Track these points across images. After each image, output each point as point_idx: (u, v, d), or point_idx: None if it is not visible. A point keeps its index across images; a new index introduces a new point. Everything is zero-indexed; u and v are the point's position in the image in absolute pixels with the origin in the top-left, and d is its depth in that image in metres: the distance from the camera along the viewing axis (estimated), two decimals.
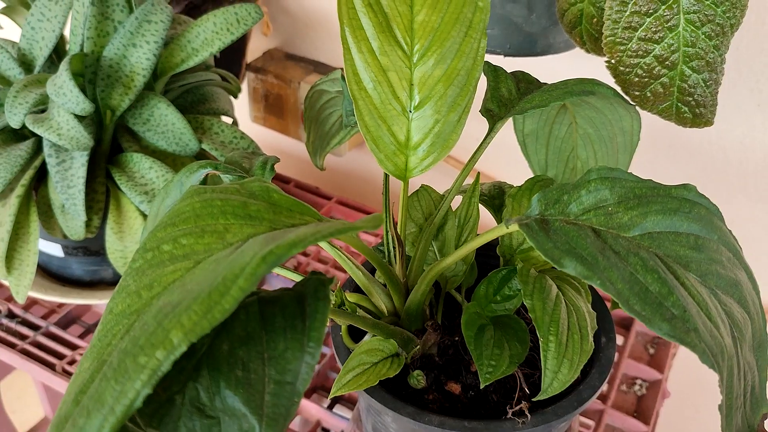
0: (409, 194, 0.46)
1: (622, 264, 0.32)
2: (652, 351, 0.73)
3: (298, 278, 0.46)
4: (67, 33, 0.69)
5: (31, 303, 0.74)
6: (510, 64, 0.60)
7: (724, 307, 0.35)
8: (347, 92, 0.42)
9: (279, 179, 0.93)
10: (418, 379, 0.47)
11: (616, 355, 0.72)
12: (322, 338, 0.29)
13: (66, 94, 0.57)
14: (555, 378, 0.40)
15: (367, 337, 0.47)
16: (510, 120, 0.58)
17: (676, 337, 0.30)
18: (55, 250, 0.70)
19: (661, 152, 0.78)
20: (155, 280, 0.30)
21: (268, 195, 0.35)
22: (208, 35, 0.65)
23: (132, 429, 0.29)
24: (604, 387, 0.69)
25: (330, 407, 0.66)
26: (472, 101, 0.42)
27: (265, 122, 1.01)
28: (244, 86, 0.98)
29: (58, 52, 0.69)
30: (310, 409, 0.65)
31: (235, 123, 0.75)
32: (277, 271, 0.48)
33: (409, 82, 0.42)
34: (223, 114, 0.72)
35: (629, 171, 0.56)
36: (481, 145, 0.46)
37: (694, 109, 0.47)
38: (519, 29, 0.55)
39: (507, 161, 0.78)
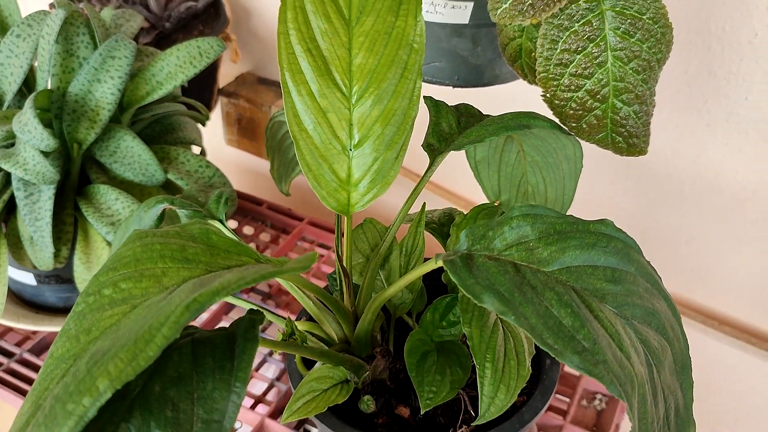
0: (354, 227, 0.48)
1: (538, 299, 0.34)
2: None
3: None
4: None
5: (6, 330, 0.75)
6: (460, 94, 0.62)
7: (639, 336, 0.37)
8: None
9: (252, 200, 0.95)
10: (368, 404, 0.49)
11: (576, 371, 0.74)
12: (248, 378, 0.31)
13: (31, 131, 0.59)
14: (492, 403, 0.42)
15: (317, 365, 0.49)
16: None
17: (585, 369, 0.32)
18: (27, 278, 0.72)
19: (620, 172, 0.80)
20: (94, 324, 0.32)
21: (207, 237, 0.37)
22: (171, 69, 0.67)
23: None
24: (566, 402, 0.71)
25: (297, 427, 0.68)
26: (409, 139, 0.44)
27: (238, 145, 1.03)
28: (218, 110, 1.00)
29: (28, 85, 0.71)
30: (278, 429, 0.67)
31: (203, 152, 0.77)
32: (233, 301, 0.49)
33: (348, 122, 0.44)
34: (191, 143, 0.74)
35: (574, 196, 0.59)
36: (422, 178, 0.48)
37: (627, 140, 0.49)
38: (466, 62, 0.57)
39: (468, 178, 0.80)
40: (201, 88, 0.92)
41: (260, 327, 0.34)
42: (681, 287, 0.83)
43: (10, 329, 0.75)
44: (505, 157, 0.60)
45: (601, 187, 0.82)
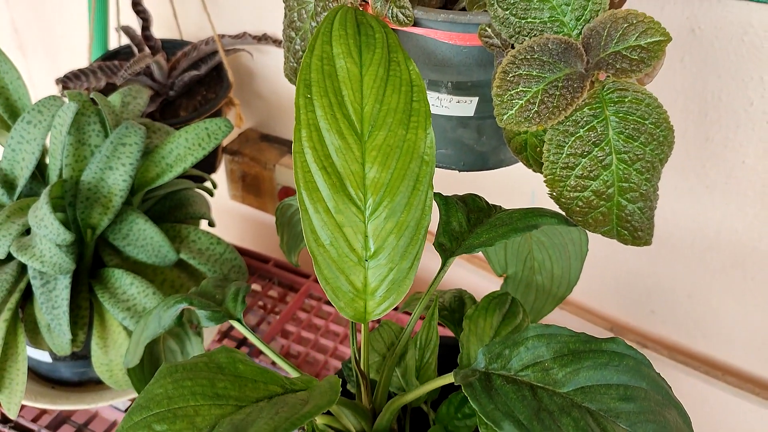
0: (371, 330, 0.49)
1: (556, 426, 0.36)
2: None
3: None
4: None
5: (22, 407, 0.76)
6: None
7: None
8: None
9: (258, 259, 0.96)
10: None
11: None
12: None
13: (47, 226, 0.60)
14: None
15: None
16: None
17: None
18: (43, 356, 0.73)
19: None
20: None
21: (234, 367, 0.38)
22: (181, 151, 0.68)
23: None
24: None
25: None
26: (422, 249, 0.46)
27: (243, 200, 1.04)
28: (222, 167, 1.02)
29: (40, 168, 0.72)
30: None
31: (210, 223, 0.78)
32: None
33: (363, 235, 0.45)
34: (201, 217, 0.75)
35: (580, 275, 0.60)
36: (435, 279, 0.49)
37: (632, 233, 0.50)
38: (471, 149, 0.58)
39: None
40: None
41: None
42: (683, 338, 0.85)
43: (24, 406, 0.76)
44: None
45: (604, 244, 0.83)
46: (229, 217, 1.11)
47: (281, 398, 0.37)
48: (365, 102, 0.45)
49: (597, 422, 0.37)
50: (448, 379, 0.42)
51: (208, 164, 0.94)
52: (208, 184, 0.79)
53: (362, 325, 0.47)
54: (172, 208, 0.74)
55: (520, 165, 0.78)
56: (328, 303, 0.91)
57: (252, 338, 0.51)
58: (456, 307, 0.57)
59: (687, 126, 0.71)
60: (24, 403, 0.72)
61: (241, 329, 0.51)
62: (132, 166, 0.65)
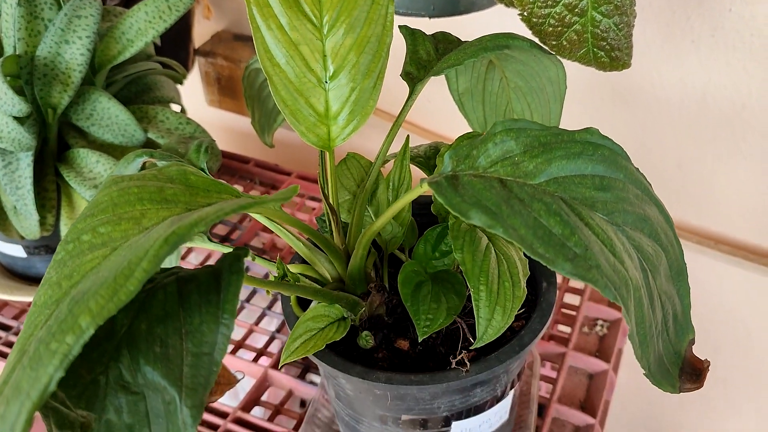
0: (338, 162, 0.47)
1: (526, 210, 0.34)
2: None
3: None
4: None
5: (3, 305, 0.75)
6: (436, 25, 0.61)
7: (632, 242, 0.36)
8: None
9: (238, 159, 0.94)
10: (366, 339, 0.48)
11: (578, 299, 0.74)
12: (235, 309, 0.30)
13: (1, 97, 0.57)
14: (489, 325, 0.42)
15: (313, 305, 0.49)
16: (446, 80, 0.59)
17: (578, 274, 0.32)
18: (17, 251, 0.71)
19: (606, 99, 0.79)
20: (75, 270, 0.31)
21: (185, 178, 0.36)
22: (141, 25, 0.65)
23: (65, 413, 0.31)
24: (567, 330, 0.71)
25: (301, 376, 0.68)
26: (385, 67, 0.43)
27: (220, 105, 1.01)
28: (196, 71, 0.98)
29: None
30: (282, 379, 0.67)
31: (183, 110, 0.75)
32: (218, 248, 0.49)
33: (321, 54, 0.43)
34: (169, 101, 0.73)
35: (560, 119, 0.58)
36: (403, 108, 0.47)
37: (609, 53, 0.48)
38: None
39: (452, 116, 0.79)
40: (176, 48, 0.90)
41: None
42: (674, 210, 0.83)
43: (6, 303, 0.75)
44: (488, 87, 0.59)
45: (588, 115, 0.81)
46: (207, 125, 1.08)
47: (230, 200, 0.35)
48: None
49: (571, 209, 0.35)
50: (416, 192, 0.39)
51: (179, 63, 0.91)
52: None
53: (327, 155, 0.45)
54: (139, 92, 0.71)
55: (489, 27, 0.74)
56: (312, 198, 0.89)
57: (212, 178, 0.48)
58: (431, 155, 0.54)
59: None
60: (2, 297, 0.70)
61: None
62: (89, 39, 0.62)
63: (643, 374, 0.36)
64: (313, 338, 0.46)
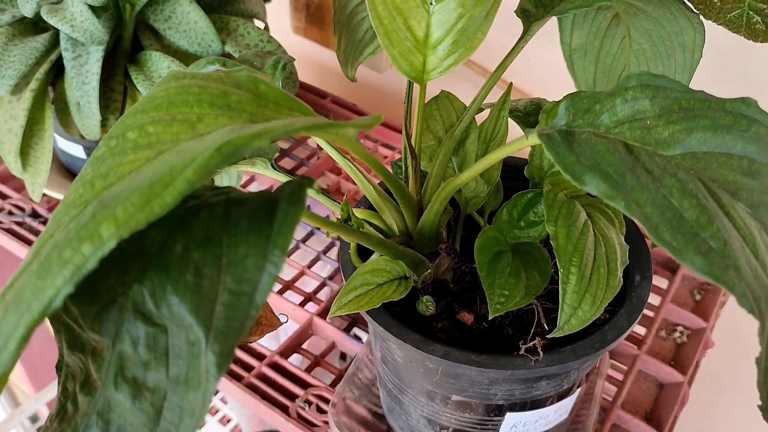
0: (428, 101, 0.41)
1: (655, 185, 0.27)
2: (698, 297, 0.68)
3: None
4: None
5: (55, 203, 0.73)
6: None
7: None
8: None
9: (316, 93, 0.89)
10: (427, 305, 0.43)
11: (658, 299, 0.67)
12: (288, 245, 0.25)
13: None
14: (574, 314, 0.36)
15: (374, 256, 0.44)
16: (557, 35, 0.52)
17: (712, 273, 0.25)
18: (77, 151, 0.69)
19: (726, 81, 0.70)
20: (112, 169, 0.27)
21: (255, 86, 0.31)
22: None
23: (78, 332, 0.26)
24: (641, 331, 0.64)
25: (347, 329, 0.63)
26: None
27: (306, 33, 0.96)
28: None
29: None
30: (326, 329, 0.63)
31: (266, 27, 0.70)
32: (279, 177, 0.44)
33: None
34: (253, 16, 0.68)
35: None
36: (513, 48, 0.40)
37: (767, 20, 0.40)
38: None
39: (550, 81, 0.72)
40: None
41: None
42: None
43: (58, 201, 0.72)
44: (606, 45, 0.52)
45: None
46: (289, 50, 1.03)
47: (302, 117, 0.29)
48: None
49: (710, 192, 0.28)
50: (518, 144, 0.33)
51: None
52: None
53: (419, 88, 0.39)
54: (223, 2, 0.67)
55: None
56: (386, 146, 0.83)
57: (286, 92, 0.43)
58: (531, 111, 0.48)
59: None
60: (56, 196, 0.68)
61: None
62: None
63: (758, 406, 0.30)
64: (368, 293, 0.41)
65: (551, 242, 0.37)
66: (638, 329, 0.65)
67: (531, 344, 0.39)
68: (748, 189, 0.29)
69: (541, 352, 0.38)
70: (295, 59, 0.47)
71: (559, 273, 0.36)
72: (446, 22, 0.37)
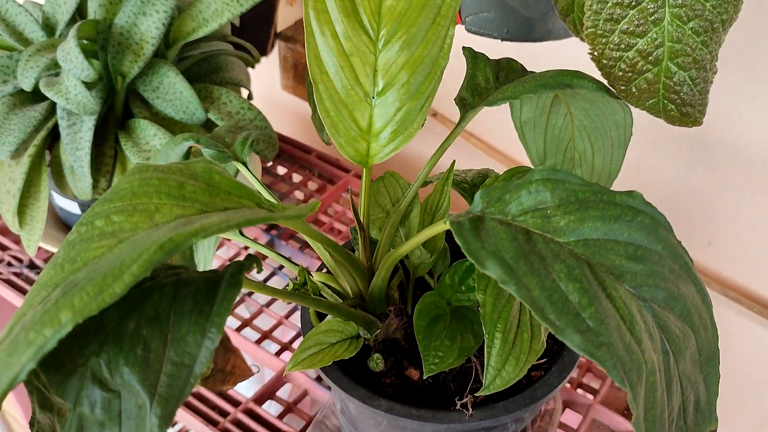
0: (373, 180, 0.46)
1: (546, 270, 0.32)
2: None
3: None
4: None
5: (51, 255, 0.78)
6: (509, 49, 0.58)
7: (658, 321, 0.34)
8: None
9: (301, 148, 0.94)
10: (377, 362, 0.47)
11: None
12: (224, 324, 0.29)
13: (72, 61, 0.59)
14: (498, 375, 0.40)
15: (329, 317, 0.48)
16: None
17: (587, 350, 0.30)
18: (72, 207, 0.74)
19: (684, 145, 0.75)
20: (80, 254, 0.32)
21: (209, 177, 0.36)
22: (218, 6, 0.66)
23: (47, 395, 0.31)
24: (597, 383, 0.68)
25: (319, 378, 0.67)
26: (436, 89, 0.42)
27: (293, 91, 1.01)
28: (275, 54, 0.99)
29: (82, 14, 0.71)
30: (299, 377, 0.67)
31: (249, 95, 0.76)
32: (249, 244, 0.49)
33: (372, 68, 0.42)
34: (237, 84, 0.73)
35: (621, 165, 0.55)
36: (451, 133, 0.45)
37: (680, 108, 0.45)
38: (516, 13, 0.53)
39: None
40: (257, 30, 0.91)
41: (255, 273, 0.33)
42: (739, 274, 0.78)
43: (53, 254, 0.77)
44: (552, 120, 0.56)
45: (662, 159, 0.77)
46: (278, 107, 1.09)
47: (249, 210, 0.34)
48: None
49: (595, 276, 0.33)
50: (437, 228, 0.38)
51: (259, 46, 0.92)
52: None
53: (363, 171, 0.44)
54: (209, 71, 0.72)
55: (564, 59, 0.71)
56: None
57: (252, 180, 0.48)
58: (477, 182, 0.52)
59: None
60: (52, 249, 0.73)
61: (244, 171, 0.49)
62: (166, 14, 0.63)
63: None
64: (321, 352, 0.45)
65: (480, 309, 0.41)
66: (594, 381, 0.69)
67: (465, 400, 0.43)
68: (632, 272, 0.34)
69: (470, 408, 0.42)
70: (271, 129, 0.52)
71: (485, 338, 0.40)
72: (386, 114, 0.42)
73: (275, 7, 0.91)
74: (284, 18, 0.97)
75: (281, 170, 0.95)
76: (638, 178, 0.79)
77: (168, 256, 0.27)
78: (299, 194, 0.92)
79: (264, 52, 0.94)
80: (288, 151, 0.94)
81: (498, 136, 0.87)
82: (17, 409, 1.24)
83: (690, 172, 0.76)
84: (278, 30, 0.97)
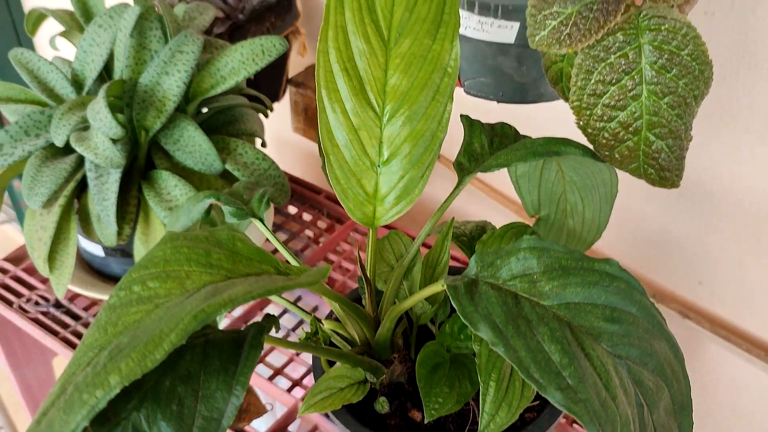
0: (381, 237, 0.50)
1: (531, 333, 0.36)
2: None
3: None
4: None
5: (75, 295, 0.82)
6: (505, 110, 0.63)
7: (633, 376, 0.38)
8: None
9: (311, 189, 0.99)
10: (382, 405, 0.51)
11: None
12: (248, 382, 0.34)
13: (102, 119, 0.64)
14: (492, 420, 0.44)
15: (338, 364, 0.52)
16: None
17: (566, 406, 0.34)
18: (97, 250, 0.78)
19: (672, 192, 0.79)
20: (120, 318, 0.36)
21: (232, 244, 0.40)
22: (235, 65, 0.70)
23: None
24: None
25: (327, 414, 0.71)
26: (435, 159, 0.46)
27: (304, 133, 1.06)
28: (286, 99, 1.04)
29: (108, 71, 0.76)
30: (311, 414, 0.71)
31: (263, 143, 0.80)
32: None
33: (378, 140, 0.46)
34: (252, 135, 0.78)
35: (609, 218, 0.59)
36: (449, 197, 0.49)
37: (659, 172, 0.49)
38: (511, 79, 0.58)
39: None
40: (271, 78, 0.95)
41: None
42: (729, 312, 0.82)
43: (78, 295, 0.82)
44: (545, 174, 0.61)
45: (652, 206, 0.81)
46: (289, 148, 1.14)
47: (270, 276, 0.39)
48: (395, 9, 0.46)
49: (576, 337, 0.37)
50: (433, 288, 0.42)
51: (272, 92, 0.97)
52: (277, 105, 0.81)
53: (370, 231, 0.48)
54: (226, 123, 0.77)
55: (556, 117, 0.76)
56: None
57: (269, 236, 0.53)
58: (476, 235, 0.57)
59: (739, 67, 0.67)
60: (76, 290, 0.77)
61: (260, 227, 0.53)
62: (187, 74, 0.68)
63: None
64: (331, 396, 0.49)
65: (476, 359, 0.45)
66: None
67: None
68: (609, 332, 0.38)
69: None
70: (288, 185, 0.56)
71: (480, 385, 0.44)
72: (391, 181, 0.46)
73: (287, 58, 0.96)
74: (295, 65, 1.02)
75: (292, 209, 1.00)
76: (631, 221, 0.83)
77: (200, 325, 0.32)
78: (309, 233, 0.97)
79: (276, 98, 0.99)
80: (298, 191, 0.98)
81: (498, 179, 0.92)
82: (26, 414, 1.28)
83: (680, 216, 0.80)
84: (290, 76, 1.02)
